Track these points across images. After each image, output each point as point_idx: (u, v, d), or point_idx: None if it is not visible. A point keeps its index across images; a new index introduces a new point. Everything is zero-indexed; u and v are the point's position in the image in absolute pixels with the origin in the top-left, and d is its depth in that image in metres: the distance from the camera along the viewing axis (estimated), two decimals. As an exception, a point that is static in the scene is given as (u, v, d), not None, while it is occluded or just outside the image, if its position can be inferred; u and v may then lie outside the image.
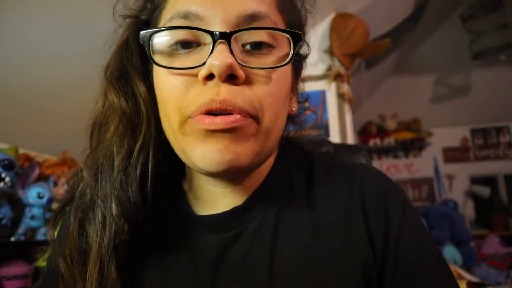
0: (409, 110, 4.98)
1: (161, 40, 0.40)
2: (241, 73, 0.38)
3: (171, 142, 0.43)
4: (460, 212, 4.18)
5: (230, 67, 0.37)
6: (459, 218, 2.67)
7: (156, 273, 0.45)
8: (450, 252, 2.33)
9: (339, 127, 2.27)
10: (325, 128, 2.28)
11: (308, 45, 0.51)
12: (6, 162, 1.51)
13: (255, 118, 0.40)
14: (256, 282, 0.42)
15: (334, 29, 2.31)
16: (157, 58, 0.41)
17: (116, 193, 0.43)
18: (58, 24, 1.62)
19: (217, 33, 0.38)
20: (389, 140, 5.05)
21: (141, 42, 0.41)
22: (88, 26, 1.58)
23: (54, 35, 1.67)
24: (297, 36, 0.41)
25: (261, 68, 0.40)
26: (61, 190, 1.78)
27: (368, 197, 0.45)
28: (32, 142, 2.07)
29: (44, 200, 1.58)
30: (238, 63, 0.38)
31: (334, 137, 2.24)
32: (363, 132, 5.22)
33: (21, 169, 1.63)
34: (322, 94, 2.31)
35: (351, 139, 2.33)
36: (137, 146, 0.44)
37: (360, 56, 2.39)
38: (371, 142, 5.08)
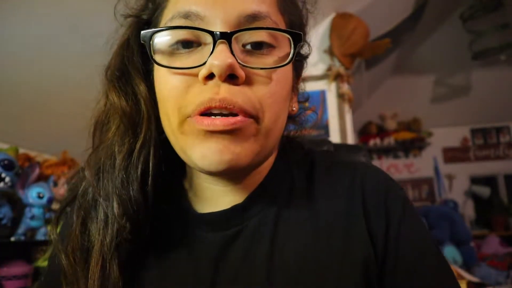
0: (409, 110, 4.98)
1: (162, 39, 0.41)
2: (241, 73, 0.38)
3: (171, 141, 0.43)
4: (460, 212, 4.18)
5: (230, 67, 0.37)
6: (459, 218, 2.67)
7: (157, 272, 0.45)
8: (450, 252, 2.33)
9: (339, 127, 2.27)
10: (325, 128, 2.28)
11: (309, 45, 0.51)
12: (6, 162, 1.51)
13: (255, 118, 0.40)
14: (256, 281, 0.42)
15: (334, 29, 2.31)
16: (157, 57, 0.41)
17: (117, 192, 0.43)
18: (58, 24, 1.62)
19: (218, 33, 0.38)
20: (389, 140, 5.05)
21: (142, 42, 0.41)
22: (88, 26, 1.58)
23: (54, 35, 1.67)
24: (298, 36, 0.41)
25: (261, 68, 0.40)
26: (61, 190, 1.78)
27: (369, 195, 0.45)
28: (32, 142, 2.07)
29: (44, 200, 1.58)
30: (239, 63, 0.38)
31: (334, 137, 2.24)
32: (363, 132, 5.22)
33: (21, 169, 1.63)
34: (322, 94, 2.31)
35: (351, 139, 2.33)
36: (138, 145, 0.44)
37: (360, 56, 2.39)
38: (371, 142, 5.08)
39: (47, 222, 1.63)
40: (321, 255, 0.43)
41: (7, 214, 1.49)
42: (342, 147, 0.78)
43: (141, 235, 0.44)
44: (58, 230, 0.48)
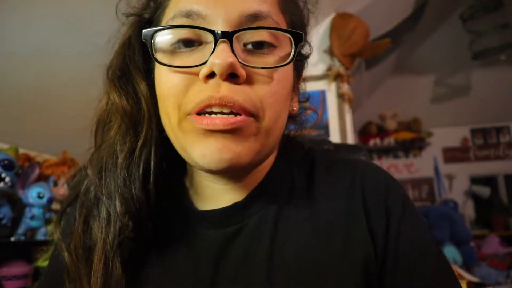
0: (409, 110, 4.98)
1: (163, 38, 0.41)
2: (242, 72, 0.38)
3: (171, 139, 0.43)
4: (460, 212, 4.18)
5: (231, 66, 0.37)
6: (459, 218, 2.67)
7: (158, 270, 0.45)
8: (450, 252, 2.33)
9: (339, 127, 2.27)
10: (325, 128, 2.28)
11: (309, 45, 0.52)
12: (6, 162, 1.51)
13: (256, 117, 0.40)
14: (256, 280, 0.42)
15: (334, 29, 2.31)
16: (159, 56, 0.41)
17: (119, 191, 0.43)
18: (58, 24, 1.62)
19: (219, 32, 0.38)
20: (389, 140, 5.05)
21: (143, 40, 0.41)
22: (88, 26, 1.58)
23: (54, 35, 1.67)
24: (299, 36, 0.41)
25: (262, 68, 0.40)
26: (61, 190, 1.78)
27: (369, 194, 0.45)
28: (32, 142, 2.07)
29: (44, 200, 1.58)
30: (240, 62, 0.38)
31: (334, 137, 2.24)
32: (363, 132, 5.22)
33: (21, 169, 1.63)
34: (322, 94, 2.31)
35: (351, 139, 2.33)
36: (139, 144, 0.44)
37: (360, 56, 2.39)
38: (371, 142, 5.08)
39: (47, 222, 1.63)
40: (321, 254, 0.43)
41: (7, 214, 1.49)
42: (342, 147, 0.78)
43: (143, 233, 0.44)
44: (61, 227, 0.48)
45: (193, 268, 0.44)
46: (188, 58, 0.40)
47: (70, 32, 1.66)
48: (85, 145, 0.49)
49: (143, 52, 0.46)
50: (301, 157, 0.51)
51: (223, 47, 0.38)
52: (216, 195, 0.47)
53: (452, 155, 5.07)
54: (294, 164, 0.50)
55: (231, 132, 0.39)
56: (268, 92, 0.40)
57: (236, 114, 0.39)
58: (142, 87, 0.45)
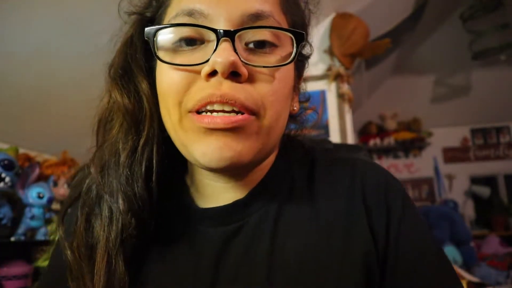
0: (409, 110, 4.98)
1: (165, 37, 0.41)
2: (244, 70, 0.39)
3: (172, 137, 0.44)
4: (460, 212, 4.18)
5: (233, 64, 0.37)
6: (459, 218, 2.67)
7: (159, 268, 0.45)
8: (450, 252, 2.33)
9: (339, 127, 2.27)
10: (325, 128, 2.27)
11: (310, 45, 0.52)
12: (6, 162, 1.51)
13: (257, 115, 0.40)
14: (256, 280, 0.42)
15: (334, 29, 2.31)
16: (161, 54, 0.41)
17: (122, 189, 0.44)
18: (58, 24, 1.62)
19: (221, 31, 0.38)
20: (389, 140, 5.05)
21: (145, 38, 0.42)
22: (88, 26, 1.58)
23: (54, 35, 1.67)
24: (300, 35, 0.41)
25: (264, 67, 0.40)
26: (61, 190, 1.78)
27: (369, 193, 0.45)
28: (32, 142, 2.07)
29: (44, 200, 1.58)
30: (241, 61, 0.38)
31: (334, 137, 2.24)
32: (363, 132, 5.22)
33: (21, 169, 1.63)
34: (322, 94, 2.31)
35: (351, 139, 2.33)
36: (141, 143, 0.45)
37: (360, 56, 2.39)
38: (371, 142, 5.08)
39: (47, 222, 1.63)
40: (321, 254, 0.43)
41: (7, 214, 1.49)
42: (342, 147, 0.78)
43: (146, 231, 0.44)
44: (63, 227, 0.48)
45: (194, 266, 0.44)
46: (190, 56, 0.40)
47: (70, 32, 1.66)
48: (85, 145, 0.49)
49: (144, 50, 0.46)
50: (301, 157, 0.51)
51: (225, 45, 0.38)
52: (217, 194, 0.47)
53: (452, 155, 5.07)
54: (295, 164, 0.50)
55: (232, 130, 0.39)
56: (269, 91, 0.40)
57: (237, 112, 0.39)
58: (144, 85, 0.46)
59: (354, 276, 0.41)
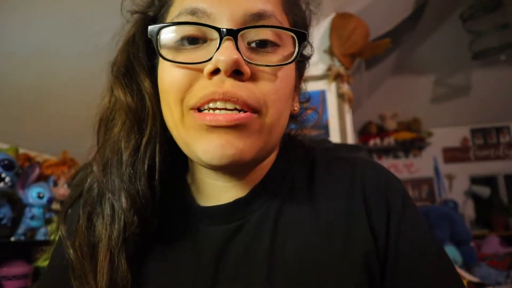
0: (409, 110, 4.98)
1: (168, 35, 0.41)
2: (246, 69, 0.39)
3: (174, 135, 0.44)
4: (460, 212, 4.18)
5: (236, 62, 0.38)
6: (459, 218, 2.67)
7: (161, 266, 0.45)
8: (450, 252, 2.33)
9: (339, 127, 2.26)
10: (325, 128, 2.27)
11: (311, 46, 0.52)
12: (6, 162, 1.51)
13: (259, 113, 0.40)
14: (256, 280, 0.42)
15: (334, 29, 2.31)
16: (163, 52, 0.41)
17: (125, 187, 0.44)
18: (58, 24, 1.62)
19: (224, 30, 0.39)
20: (389, 140, 5.05)
21: (149, 37, 0.42)
22: (88, 26, 1.58)
23: (54, 35, 1.67)
24: (302, 35, 0.42)
25: (266, 66, 0.40)
26: (61, 190, 1.78)
27: (369, 193, 0.45)
28: (32, 142, 2.07)
29: (44, 200, 1.58)
30: (244, 59, 0.39)
31: (334, 137, 2.24)
32: (363, 132, 5.22)
33: (21, 169, 1.63)
34: (322, 94, 2.30)
35: (351, 139, 2.33)
36: (144, 141, 0.45)
37: (360, 56, 2.39)
38: (371, 142, 5.08)
39: (47, 222, 1.63)
40: (321, 254, 0.43)
41: (7, 214, 1.49)
42: (342, 146, 0.78)
43: (149, 230, 0.45)
44: (65, 226, 0.48)
45: (194, 265, 0.45)
46: (193, 55, 0.41)
47: (70, 32, 1.66)
48: (85, 145, 0.49)
49: (147, 49, 0.46)
50: (301, 156, 0.52)
51: (228, 44, 0.38)
52: (217, 192, 0.47)
53: (452, 155, 5.07)
54: (295, 163, 0.51)
55: (235, 128, 0.39)
56: (272, 89, 0.41)
57: (239, 110, 0.39)
58: (146, 84, 0.46)
59: (354, 276, 0.41)
